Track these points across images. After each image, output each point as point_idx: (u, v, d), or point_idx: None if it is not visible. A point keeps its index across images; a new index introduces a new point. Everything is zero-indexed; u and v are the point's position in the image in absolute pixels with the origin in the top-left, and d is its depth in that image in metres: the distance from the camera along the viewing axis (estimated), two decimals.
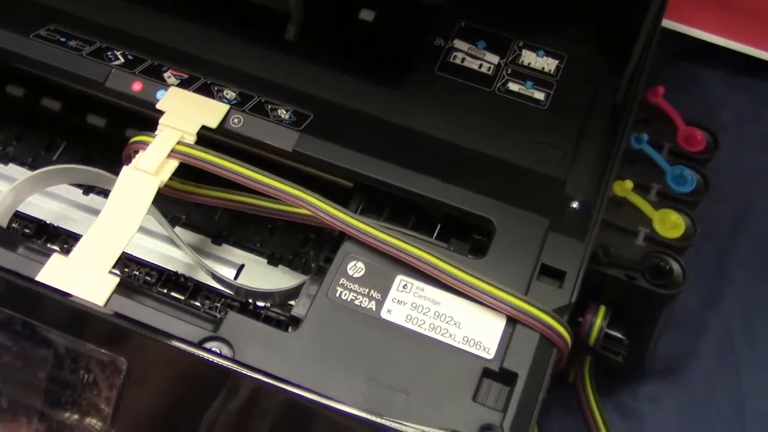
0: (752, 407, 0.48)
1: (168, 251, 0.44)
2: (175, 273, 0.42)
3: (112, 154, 0.42)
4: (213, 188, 0.41)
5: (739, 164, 0.55)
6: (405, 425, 0.30)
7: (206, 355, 0.31)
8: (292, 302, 0.40)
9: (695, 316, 0.51)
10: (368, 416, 0.30)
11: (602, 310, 0.41)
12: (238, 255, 0.44)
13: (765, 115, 0.57)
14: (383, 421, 0.30)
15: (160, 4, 0.46)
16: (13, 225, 0.43)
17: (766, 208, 0.55)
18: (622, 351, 0.43)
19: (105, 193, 0.45)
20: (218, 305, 0.41)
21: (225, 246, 0.44)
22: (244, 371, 0.31)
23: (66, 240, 0.43)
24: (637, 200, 0.42)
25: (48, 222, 0.43)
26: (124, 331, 0.32)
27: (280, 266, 0.44)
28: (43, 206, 0.45)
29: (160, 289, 0.41)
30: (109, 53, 0.43)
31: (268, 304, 0.41)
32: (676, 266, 0.41)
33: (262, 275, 0.43)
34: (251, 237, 0.45)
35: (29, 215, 0.43)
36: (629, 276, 0.40)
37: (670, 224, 0.42)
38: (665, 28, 0.55)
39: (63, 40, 0.43)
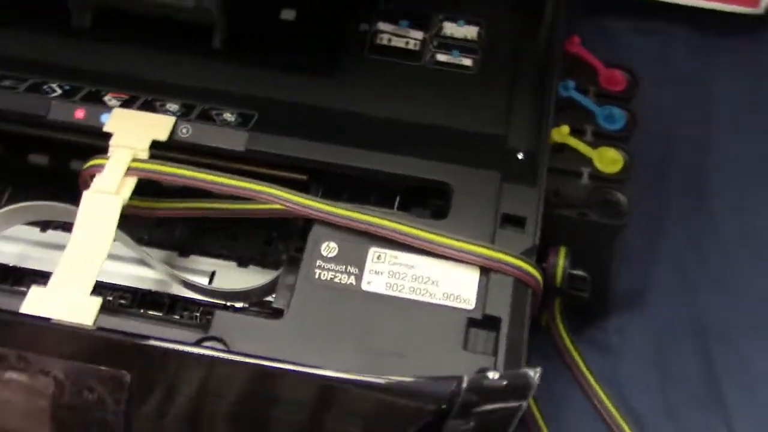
0: (713, 322, 0.51)
1: (135, 271, 0.44)
2: (148, 291, 0.43)
3: (61, 191, 0.42)
4: (174, 200, 0.42)
5: (655, 103, 0.58)
6: (414, 378, 0.31)
7: (210, 353, 0.32)
8: (270, 298, 0.42)
9: (643, 249, 0.54)
10: (375, 379, 0.31)
11: (562, 250, 0.43)
12: (208, 263, 0.45)
13: (674, 56, 0.60)
14: (393, 381, 0.31)
15: (80, 32, 0.47)
16: None
17: (688, 140, 0.58)
18: (587, 288, 0.45)
19: (63, 227, 0.45)
20: (197, 315, 0.42)
21: (192, 257, 0.45)
22: (248, 360, 0.32)
23: (34, 279, 0.43)
24: (575, 143, 0.44)
25: (11, 265, 0.43)
26: (122, 346, 0.32)
27: (251, 266, 0.45)
28: (2, 251, 0.44)
29: (137, 309, 0.42)
30: (44, 86, 0.43)
31: (246, 305, 0.42)
32: (621, 197, 0.43)
33: (235, 278, 0.44)
34: (215, 245, 0.45)
35: None
36: (581, 213, 0.43)
37: (609, 160, 0.44)
38: None
39: None
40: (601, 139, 0.45)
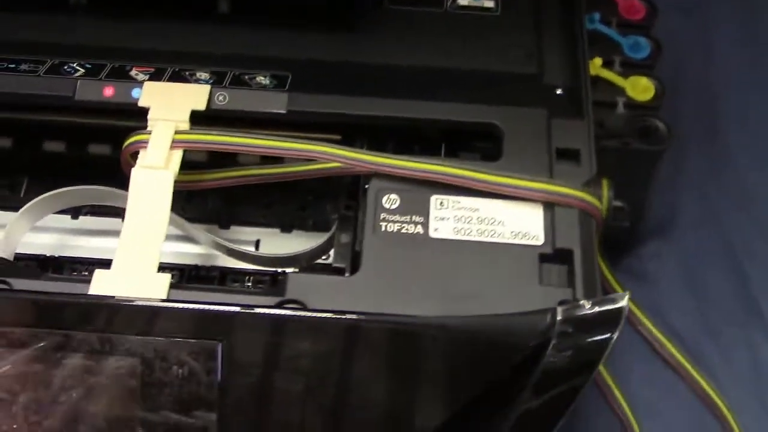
0: (742, 244, 0.52)
1: (175, 248, 0.43)
2: (195, 266, 0.42)
3: (80, 177, 0.41)
4: (220, 170, 0.41)
5: (662, 32, 0.59)
6: (509, 315, 0.31)
7: (303, 313, 0.31)
8: (320, 261, 0.41)
9: (666, 177, 0.54)
10: (472, 320, 0.31)
11: (605, 182, 0.43)
12: (251, 232, 0.44)
13: None
14: (490, 319, 0.31)
15: (81, 9, 0.45)
16: None
17: (694, 67, 0.59)
18: (627, 218, 0.46)
19: (94, 212, 0.44)
20: (249, 285, 0.41)
21: (234, 228, 0.44)
22: (340, 317, 0.31)
23: (73, 267, 0.42)
24: (608, 74, 0.44)
25: (48, 255, 0.42)
26: (210, 316, 0.32)
27: (294, 231, 0.44)
28: (35, 242, 0.43)
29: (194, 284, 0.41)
30: (65, 67, 0.41)
31: (296, 270, 0.41)
32: (660, 124, 0.44)
33: (280, 244, 0.43)
34: (253, 214, 0.44)
35: (26, 254, 0.42)
36: (624, 142, 0.43)
37: (642, 88, 0.44)
38: None
39: (12, 66, 0.41)
40: (630, 68, 0.45)
